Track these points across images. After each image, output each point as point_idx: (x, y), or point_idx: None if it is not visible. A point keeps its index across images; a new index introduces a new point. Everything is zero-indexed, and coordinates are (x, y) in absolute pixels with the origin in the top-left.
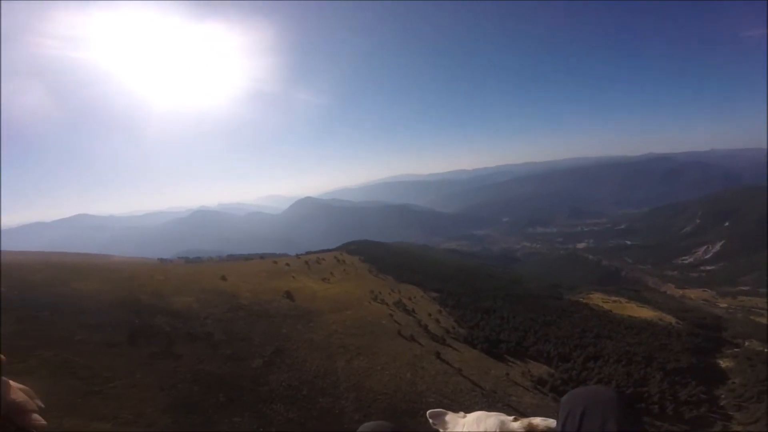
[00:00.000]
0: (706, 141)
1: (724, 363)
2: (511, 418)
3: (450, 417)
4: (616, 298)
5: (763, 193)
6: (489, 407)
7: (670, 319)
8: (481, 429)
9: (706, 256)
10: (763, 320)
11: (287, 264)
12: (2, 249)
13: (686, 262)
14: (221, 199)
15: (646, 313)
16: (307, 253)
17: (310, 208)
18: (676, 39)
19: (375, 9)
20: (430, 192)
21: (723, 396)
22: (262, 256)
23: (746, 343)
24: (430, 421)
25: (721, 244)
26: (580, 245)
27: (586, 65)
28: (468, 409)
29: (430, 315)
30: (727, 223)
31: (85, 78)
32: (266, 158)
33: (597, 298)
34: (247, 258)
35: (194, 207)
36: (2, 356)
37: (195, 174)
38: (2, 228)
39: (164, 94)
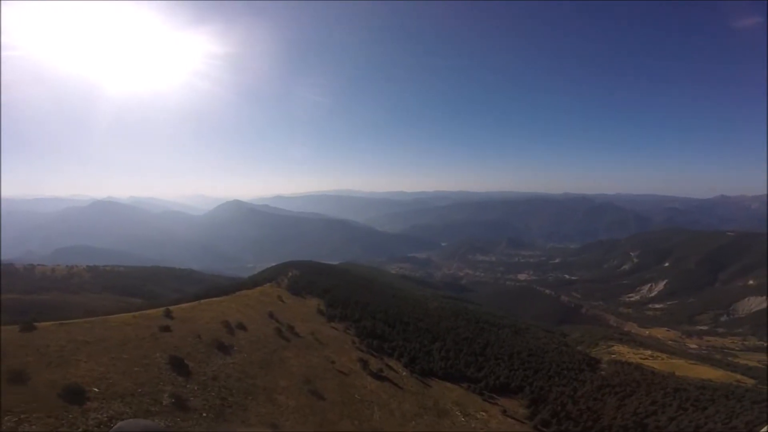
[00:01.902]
0: (613, 185)
1: None
2: None
3: None
4: (652, 353)
5: (695, 236)
6: None
7: (741, 378)
8: None
9: (651, 294)
10: None
11: (166, 325)
12: None
13: (633, 299)
14: (134, 192)
15: (709, 372)
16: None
17: (238, 213)
18: (579, 94)
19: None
20: (369, 210)
21: None
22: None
23: None
24: None
25: (664, 282)
26: (521, 276)
27: (504, 104)
28: None
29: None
30: (667, 263)
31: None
32: (193, 153)
33: (626, 352)
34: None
35: (100, 197)
36: None
37: (110, 161)
38: None
39: (90, 67)
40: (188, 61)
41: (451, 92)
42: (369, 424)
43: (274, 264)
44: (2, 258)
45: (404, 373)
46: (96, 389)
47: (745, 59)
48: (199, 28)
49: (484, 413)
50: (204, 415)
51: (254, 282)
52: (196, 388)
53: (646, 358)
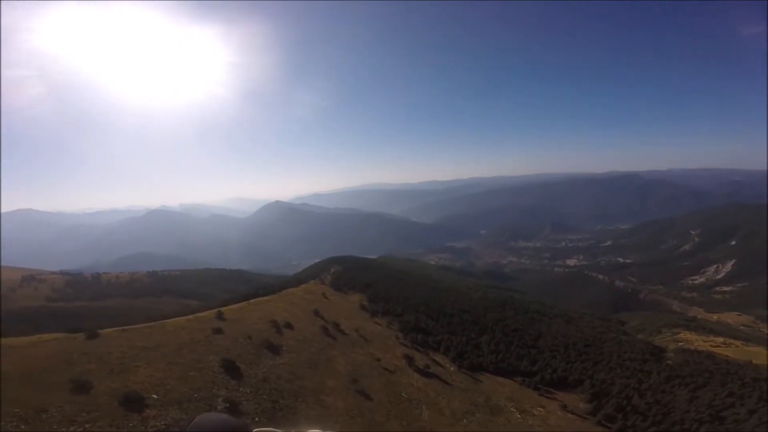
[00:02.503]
0: (663, 161)
1: None
2: None
3: None
4: (725, 339)
5: (763, 210)
6: None
7: None
8: None
9: (718, 276)
10: None
11: (218, 327)
12: None
13: (697, 282)
14: (183, 200)
15: None
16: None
17: (279, 213)
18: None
19: (355, 11)
20: (403, 201)
21: None
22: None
23: None
24: None
25: (732, 263)
26: (570, 261)
27: (538, 83)
28: None
29: None
30: (733, 242)
31: (53, 71)
32: (235, 158)
33: (694, 340)
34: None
35: (154, 206)
36: None
37: (160, 172)
38: None
39: (132, 88)
40: (215, 70)
41: (481, 75)
42: (418, 424)
43: (316, 261)
44: (70, 268)
45: (452, 369)
46: (155, 396)
47: None
48: (228, 34)
49: (541, 409)
50: (256, 419)
51: (299, 280)
52: (248, 391)
53: (718, 346)
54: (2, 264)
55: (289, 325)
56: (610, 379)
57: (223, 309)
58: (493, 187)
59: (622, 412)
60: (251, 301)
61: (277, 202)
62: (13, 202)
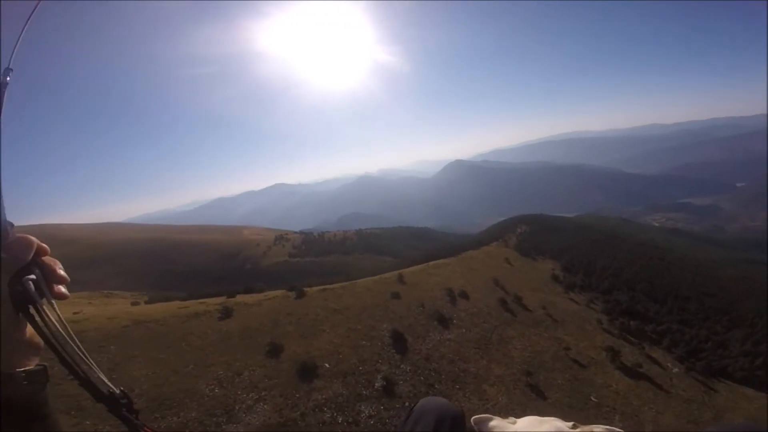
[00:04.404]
0: None
1: None
2: (570, 424)
3: (497, 422)
4: None
5: None
6: None
7: None
8: None
9: None
10: None
11: (396, 291)
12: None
13: None
14: (381, 166)
15: None
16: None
17: (460, 172)
18: None
19: None
20: (610, 151)
21: None
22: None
23: None
24: (475, 427)
25: None
26: None
27: None
28: None
29: None
30: None
31: (264, 73)
32: (414, 125)
33: None
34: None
35: (359, 174)
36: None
37: (358, 144)
38: (224, 195)
39: (326, 81)
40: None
41: None
42: None
43: (501, 219)
44: (306, 228)
45: (675, 370)
46: (327, 365)
47: None
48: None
49: None
50: (406, 404)
51: (479, 241)
52: (408, 369)
53: None
54: (264, 226)
55: (464, 295)
56: None
57: (404, 271)
58: (753, 127)
59: None
60: (431, 263)
61: (457, 161)
62: (270, 178)
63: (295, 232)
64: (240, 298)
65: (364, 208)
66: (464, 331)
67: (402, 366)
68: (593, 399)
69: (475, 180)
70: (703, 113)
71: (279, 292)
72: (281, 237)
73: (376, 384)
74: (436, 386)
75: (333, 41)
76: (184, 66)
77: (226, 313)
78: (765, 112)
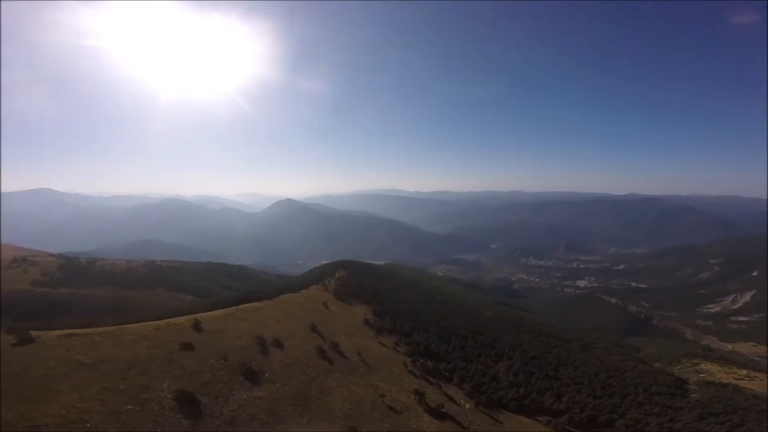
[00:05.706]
0: (687, 186)
1: None
2: None
3: None
4: (748, 372)
5: None
6: None
7: None
8: None
9: (735, 306)
10: None
11: (189, 341)
12: None
13: (712, 311)
14: (198, 191)
15: None
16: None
17: (290, 211)
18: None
19: (374, 10)
20: (414, 210)
21: None
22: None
23: None
24: None
25: (751, 294)
26: (581, 282)
27: (566, 101)
28: None
29: None
30: (755, 273)
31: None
32: (249, 154)
33: (716, 371)
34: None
35: (168, 195)
36: None
37: (175, 162)
38: None
39: (153, 80)
40: (241, 66)
41: (502, 88)
42: None
43: (323, 262)
44: (80, 251)
45: (468, 406)
46: None
47: None
48: (255, 29)
49: None
50: None
51: (300, 284)
52: None
53: (742, 378)
54: (11, 243)
55: (278, 343)
56: (644, 417)
57: (203, 315)
58: (509, 201)
59: None
60: (241, 307)
61: (288, 199)
62: (32, 180)
63: (52, 255)
64: None
65: (167, 236)
66: (278, 385)
67: None
68: None
69: (303, 221)
70: (479, 185)
71: None
72: (23, 259)
73: None
74: None
75: (164, 42)
76: None
77: None
78: (521, 189)
